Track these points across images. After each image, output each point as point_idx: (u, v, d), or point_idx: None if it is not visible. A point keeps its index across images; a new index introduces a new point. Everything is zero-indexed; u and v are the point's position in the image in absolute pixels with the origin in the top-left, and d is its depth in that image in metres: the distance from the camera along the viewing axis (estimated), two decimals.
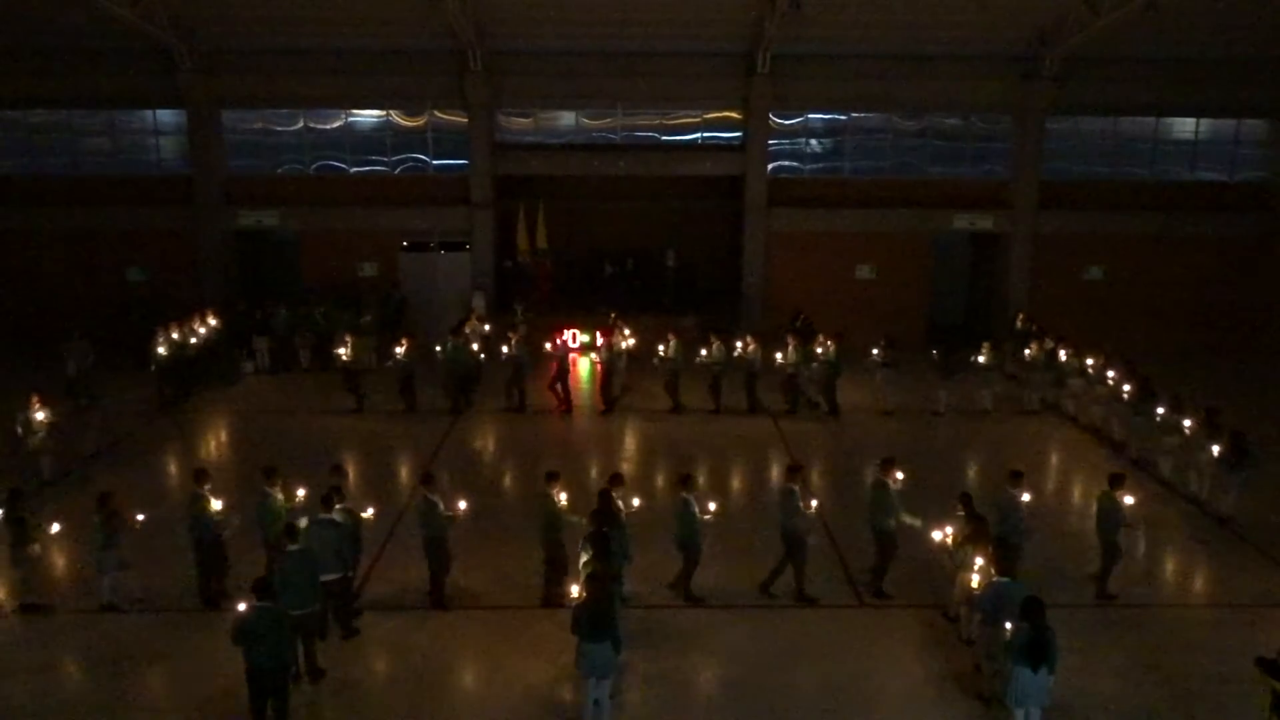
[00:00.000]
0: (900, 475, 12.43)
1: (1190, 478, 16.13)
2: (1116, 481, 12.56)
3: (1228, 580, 13.04)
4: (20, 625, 11.81)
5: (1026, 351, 21.78)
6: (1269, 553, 13.97)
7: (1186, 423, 16.22)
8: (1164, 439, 16.80)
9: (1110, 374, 19.33)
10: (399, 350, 20.72)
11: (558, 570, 12.06)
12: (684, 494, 12.32)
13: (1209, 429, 15.65)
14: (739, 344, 20.94)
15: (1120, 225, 27.28)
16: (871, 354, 21.45)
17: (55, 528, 12.25)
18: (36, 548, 12.02)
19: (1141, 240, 27.31)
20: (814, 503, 12.53)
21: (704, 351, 20.95)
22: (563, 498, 12.22)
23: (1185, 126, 27.61)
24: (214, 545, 12.19)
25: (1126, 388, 18.30)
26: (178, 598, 12.34)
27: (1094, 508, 12.83)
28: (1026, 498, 12.38)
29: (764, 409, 20.89)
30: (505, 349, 20.88)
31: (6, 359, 24.50)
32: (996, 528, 12.15)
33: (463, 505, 12.47)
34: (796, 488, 12.36)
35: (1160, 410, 16.89)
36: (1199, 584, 12.95)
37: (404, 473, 17.31)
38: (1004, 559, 10.36)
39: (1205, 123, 27.53)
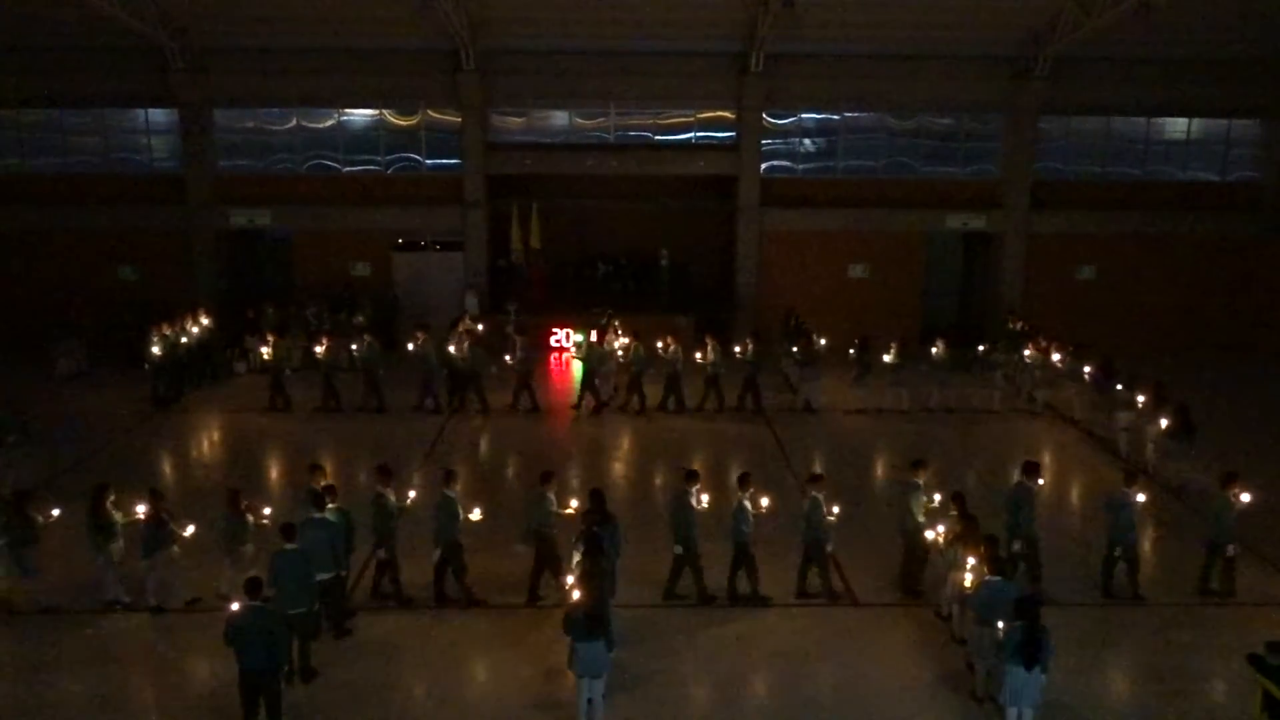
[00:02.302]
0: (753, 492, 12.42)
1: (1147, 451, 17.40)
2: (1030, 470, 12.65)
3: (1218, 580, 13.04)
4: (21, 626, 11.76)
5: (1027, 352, 21.76)
6: (1259, 550, 14.00)
7: (1140, 399, 17.53)
8: (1119, 414, 18.15)
9: (1057, 357, 20.60)
10: (319, 350, 20.74)
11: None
12: (814, 493, 12.28)
13: (1158, 403, 17.08)
14: (659, 344, 20.95)
15: (1112, 225, 27.37)
16: (792, 352, 21.49)
17: (190, 529, 12.22)
18: (175, 549, 12.05)
19: (1133, 240, 27.40)
20: (937, 497, 12.48)
21: (620, 351, 21.01)
22: (695, 495, 12.30)
23: (1177, 126, 27.70)
24: None
25: (1087, 368, 19.61)
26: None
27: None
28: (1141, 498, 12.42)
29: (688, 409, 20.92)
30: (457, 349, 20.81)
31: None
32: (1112, 531, 12.42)
33: (574, 504, 12.48)
34: (921, 482, 12.40)
35: (1117, 388, 18.37)
36: (1190, 582, 12.96)
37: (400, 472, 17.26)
38: (995, 558, 10.33)
39: (1197, 123, 27.62)
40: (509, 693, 10.46)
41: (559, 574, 12.08)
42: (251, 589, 9.41)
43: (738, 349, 20.99)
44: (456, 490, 12.28)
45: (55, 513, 12.42)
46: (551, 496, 12.19)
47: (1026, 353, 21.65)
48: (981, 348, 21.44)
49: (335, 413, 20.58)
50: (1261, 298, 27.19)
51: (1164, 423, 16.50)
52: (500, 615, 12.07)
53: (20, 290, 26.63)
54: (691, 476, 12.44)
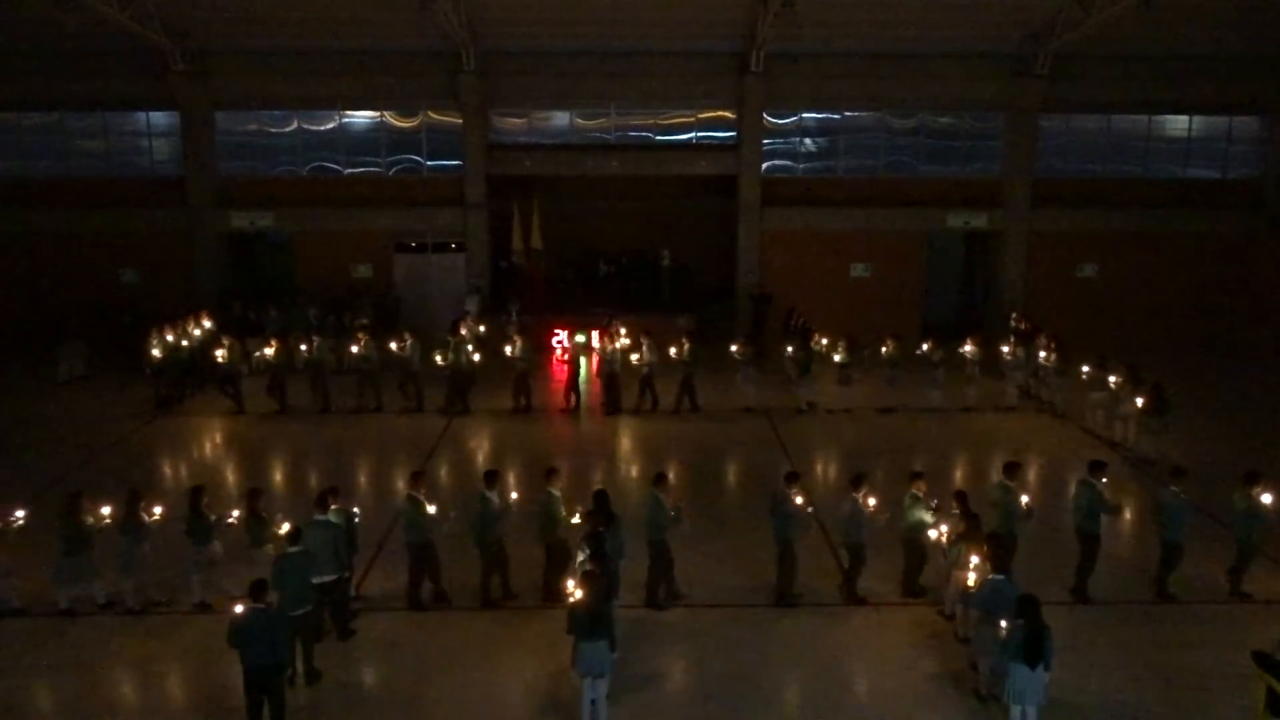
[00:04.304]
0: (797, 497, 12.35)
1: (1116, 428, 18.57)
2: (1010, 470, 12.65)
3: (1222, 576, 13.03)
4: (25, 627, 11.78)
5: (1043, 354, 21.55)
6: (1260, 548, 13.97)
7: (1112, 379, 18.54)
8: (1092, 394, 19.30)
9: (1006, 349, 21.59)
10: (267, 351, 20.76)
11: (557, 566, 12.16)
12: (914, 490, 12.26)
13: (1133, 384, 17.95)
14: (599, 344, 21.02)
15: (1113, 223, 27.38)
16: (731, 350, 21.49)
17: (285, 527, 12.23)
18: (270, 548, 12.02)
19: (1134, 238, 27.41)
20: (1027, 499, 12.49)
21: (509, 348, 21.05)
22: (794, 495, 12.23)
23: (1178, 124, 27.71)
24: (426, 548, 12.14)
25: (1042, 355, 20.74)
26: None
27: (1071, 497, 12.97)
28: (1185, 498, 12.36)
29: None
30: (509, 350, 20.81)
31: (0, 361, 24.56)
32: (1164, 533, 12.36)
33: (671, 507, 12.32)
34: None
35: (1086, 369, 19.55)
36: (1193, 579, 12.95)
37: (401, 472, 17.32)
38: (998, 556, 10.34)
39: (1198, 120, 27.64)
40: (513, 694, 10.47)
41: (670, 571, 12.24)
42: (255, 591, 9.43)
43: (674, 350, 20.83)
44: (559, 488, 12.28)
45: (158, 511, 12.49)
46: (663, 497, 12.08)
47: (1048, 354, 21.40)
48: (925, 345, 21.44)
49: (281, 414, 20.67)
50: (1262, 295, 27.17)
51: (1139, 401, 17.37)
52: (503, 616, 12.07)
53: (21, 293, 26.67)
54: (792, 478, 12.43)
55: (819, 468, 17.84)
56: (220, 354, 20.76)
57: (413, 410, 20.77)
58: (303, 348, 21.16)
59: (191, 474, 17.25)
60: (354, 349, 21.04)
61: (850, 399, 21.26)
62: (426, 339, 21.78)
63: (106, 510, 12.26)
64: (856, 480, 12.34)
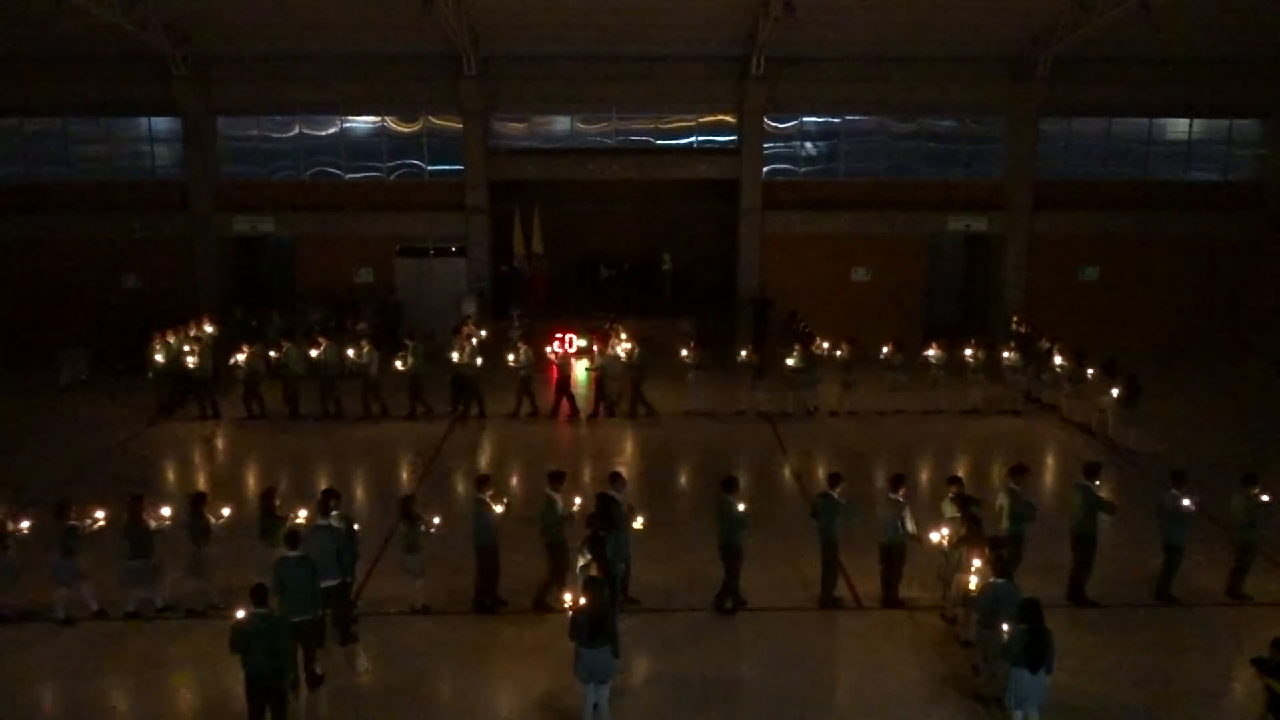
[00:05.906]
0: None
1: (1098, 419, 19.34)
2: (1017, 472, 12.59)
3: (1221, 579, 13.02)
4: (24, 634, 11.79)
5: (1005, 354, 21.99)
6: (1262, 550, 13.95)
7: (1089, 371, 19.57)
8: (1066, 384, 20.27)
9: (969, 352, 21.69)
10: (240, 357, 20.70)
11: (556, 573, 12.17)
12: (951, 494, 12.19)
13: (1109, 376, 18.82)
14: (549, 348, 21.19)
15: (1114, 225, 27.38)
16: (681, 355, 21.55)
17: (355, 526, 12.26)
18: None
19: (1135, 240, 27.42)
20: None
21: (511, 356, 21.14)
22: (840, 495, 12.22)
23: (1178, 127, 27.72)
24: (492, 551, 12.14)
25: (1006, 354, 21.80)
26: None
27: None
28: (1187, 502, 12.28)
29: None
30: (456, 357, 20.64)
31: (1, 366, 24.59)
32: (1165, 536, 12.35)
33: (741, 507, 12.20)
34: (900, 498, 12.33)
35: (1063, 363, 20.36)
36: (1193, 583, 12.94)
37: (404, 476, 17.37)
38: (1000, 560, 10.33)
39: (1198, 123, 27.64)
40: (514, 698, 10.47)
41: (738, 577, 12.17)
42: (256, 596, 9.43)
43: (622, 353, 20.84)
44: (625, 493, 12.25)
45: (225, 512, 12.52)
46: (735, 501, 12.03)
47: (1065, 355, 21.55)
48: (885, 349, 21.54)
49: (258, 419, 20.61)
50: (1263, 297, 27.17)
51: (1115, 392, 18.29)
52: (505, 620, 12.08)
53: (24, 298, 26.70)
54: (835, 479, 12.40)
55: (786, 472, 17.79)
56: (191, 360, 20.71)
57: (363, 417, 20.59)
58: (271, 354, 21.10)
59: (193, 478, 17.30)
60: (313, 354, 20.77)
61: (809, 402, 21.25)
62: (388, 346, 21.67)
63: (167, 511, 12.31)
64: (896, 480, 12.30)
